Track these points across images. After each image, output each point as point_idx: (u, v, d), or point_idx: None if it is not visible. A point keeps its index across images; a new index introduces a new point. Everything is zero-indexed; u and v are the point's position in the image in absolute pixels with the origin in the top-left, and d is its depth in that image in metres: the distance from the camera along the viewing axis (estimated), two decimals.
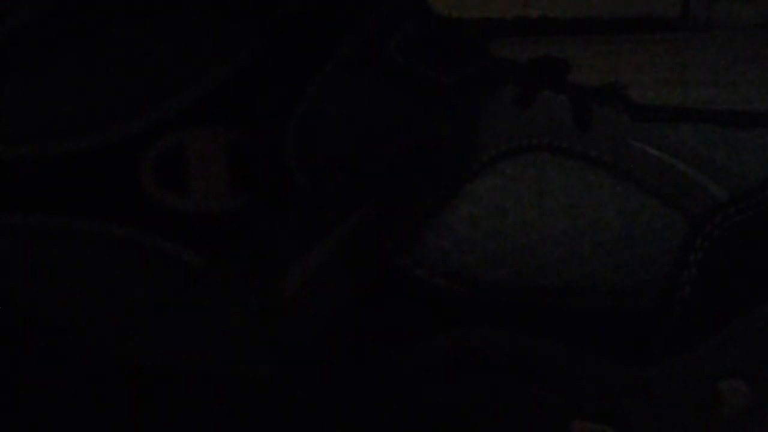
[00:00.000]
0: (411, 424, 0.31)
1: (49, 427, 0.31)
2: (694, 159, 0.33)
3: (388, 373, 0.31)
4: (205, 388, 0.31)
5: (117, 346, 0.30)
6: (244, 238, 0.30)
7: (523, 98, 0.33)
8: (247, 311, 0.30)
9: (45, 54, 0.29)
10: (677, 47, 0.69)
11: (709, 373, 0.31)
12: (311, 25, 0.30)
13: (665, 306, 0.31)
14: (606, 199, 0.32)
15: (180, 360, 0.31)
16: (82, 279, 0.30)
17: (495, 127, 0.32)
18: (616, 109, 0.34)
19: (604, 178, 0.32)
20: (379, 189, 0.31)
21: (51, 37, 0.29)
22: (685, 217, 0.32)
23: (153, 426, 0.31)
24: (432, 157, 0.31)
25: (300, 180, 0.30)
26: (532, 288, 0.31)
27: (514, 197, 0.31)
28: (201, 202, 0.30)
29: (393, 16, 0.32)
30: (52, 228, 0.30)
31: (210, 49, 0.30)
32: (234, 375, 0.31)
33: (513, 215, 0.31)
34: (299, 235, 0.30)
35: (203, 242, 0.30)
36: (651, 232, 0.31)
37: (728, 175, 0.33)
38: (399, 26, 0.32)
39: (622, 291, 0.31)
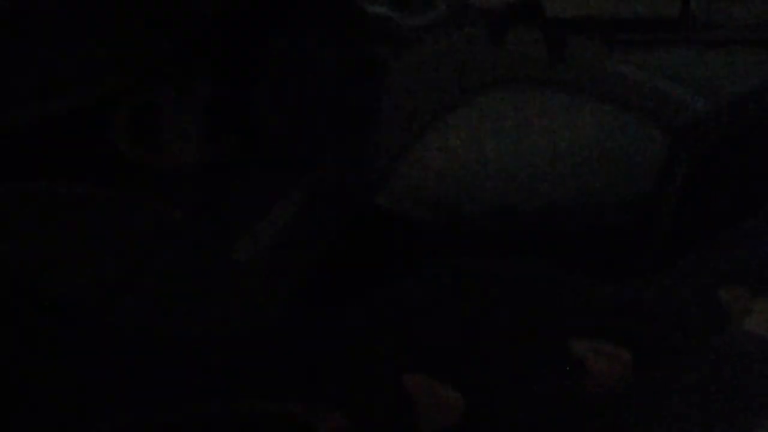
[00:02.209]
0: (408, 358, 0.31)
1: (35, 396, 0.31)
2: (674, 77, 0.32)
3: (377, 310, 0.31)
4: (189, 348, 0.31)
5: (100, 309, 0.30)
6: (220, 191, 0.30)
7: (495, 36, 0.33)
8: (224, 264, 0.30)
9: (8, 21, 0.30)
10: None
11: (707, 281, 0.31)
12: None
13: (652, 219, 0.31)
14: (586, 121, 0.31)
15: (166, 322, 0.31)
16: (64, 242, 0.30)
17: (468, 63, 0.32)
18: (591, 37, 0.34)
19: (582, 101, 0.32)
20: (351, 129, 0.31)
21: (16, 5, 0.30)
22: (668, 132, 0.31)
23: (144, 390, 0.31)
24: (404, 96, 0.31)
25: (272, 130, 0.30)
26: (516, 212, 0.30)
27: (491, 127, 0.31)
28: (175, 157, 0.30)
29: None
30: (31, 193, 0.30)
31: (174, 8, 0.30)
32: (223, 331, 0.31)
33: (491, 144, 0.31)
34: (273, 183, 0.30)
35: (180, 197, 0.30)
36: (633, 148, 0.31)
37: (708, 90, 0.32)
38: None
39: (608, 208, 0.31)
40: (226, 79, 0.30)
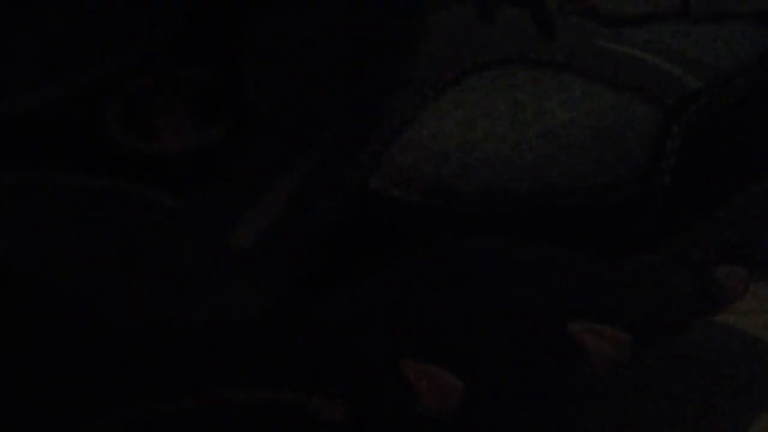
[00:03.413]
0: (405, 343, 0.31)
1: (30, 384, 0.31)
2: (665, 52, 0.32)
3: (374, 296, 0.30)
4: (185, 337, 0.31)
5: (94, 298, 0.30)
6: (212, 176, 0.30)
7: (485, 14, 0.33)
8: (220, 250, 0.30)
9: None
10: None
11: (702, 259, 0.31)
12: None
13: (646, 197, 0.30)
14: (577, 100, 0.31)
15: (162, 309, 0.30)
16: (55, 232, 0.30)
17: (458, 44, 0.32)
18: (581, 15, 0.33)
19: (573, 81, 0.32)
20: (342, 113, 0.30)
21: None
22: (660, 108, 0.31)
23: (132, 380, 0.31)
24: (394, 78, 0.31)
25: (263, 111, 0.30)
26: (510, 193, 0.30)
27: (483, 109, 0.31)
28: (168, 143, 0.30)
29: None
30: (24, 184, 0.30)
31: None
32: (220, 320, 0.31)
33: (483, 126, 0.31)
34: (267, 166, 0.30)
35: (175, 183, 0.30)
36: (626, 125, 0.31)
37: (701, 65, 0.32)
38: None
39: (602, 186, 0.30)
40: (217, 61, 0.30)
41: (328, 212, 0.30)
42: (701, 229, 0.31)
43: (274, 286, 0.30)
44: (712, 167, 0.31)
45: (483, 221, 0.30)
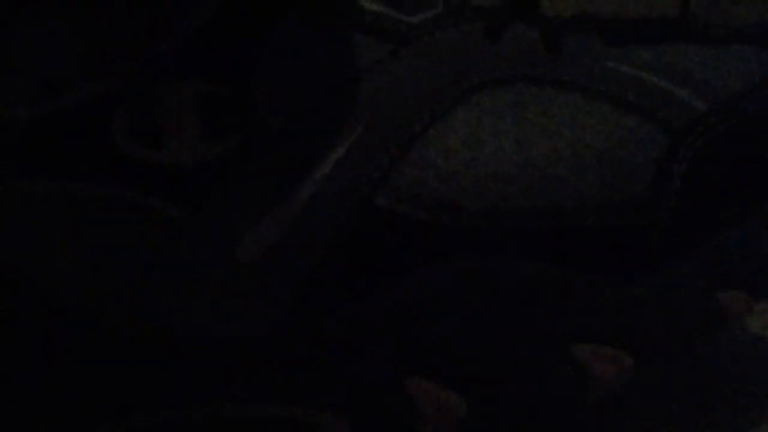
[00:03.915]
0: (409, 361, 0.31)
1: (36, 393, 0.31)
2: (672, 74, 0.32)
3: (379, 313, 0.30)
4: (192, 349, 0.31)
5: (100, 308, 0.30)
6: (220, 188, 0.30)
7: (492, 32, 0.33)
8: (225, 264, 0.30)
9: (6, 19, 0.29)
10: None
11: (706, 284, 0.31)
12: None
13: (652, 220, 0.31)
14: (584, 120, 0.31)
15: (166, 320, 0.30)
16: (63, 241, 0.30)
17: (466, 62, 0.32)
18: (588, 34, 0.33)
19: (580, 100, 0.32)
20: (351, 129, 0.30)
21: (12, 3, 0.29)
22: (666, 131, 0.31)
23: (139, 391, 0.31)
24: (402, 95, 0.31)
25: (272, 126, 0.30)
26: (515, 212, 0.30)
27: (490, 127, 0.31)
28: (176, 154, 0.30)
29: None
30: (30, 191, 0.30)
31: (173, 4, 0.30)
32: (222, 334, 0.31)
33: (490, 144, 0.31)
34: (275, 181, 0.30)
35: (181, 194, 0.30)
36: (632, 147, 0.31)
37: (707, 87, 0.32)
38: None
39: (608, 208, 0.31)
40: (226, 74, 0.30)
41: (335, 227, 0.30)
42: (705, 252, 0.31)
43: (280, 301, 0.30)
44: (717, 191, 0.31)
45: (488, 240, 0.30)
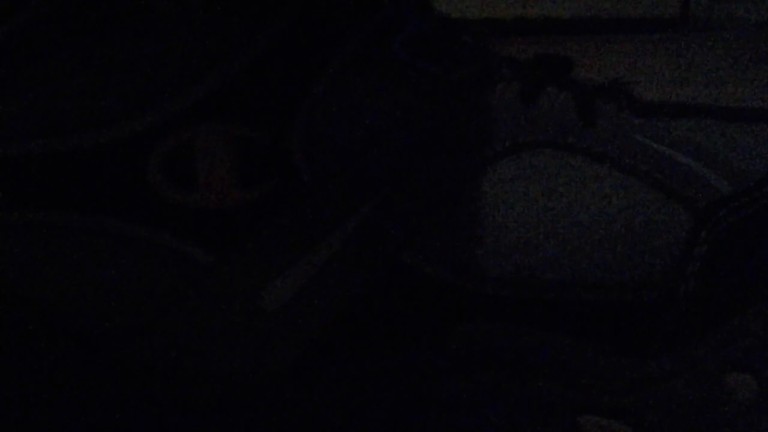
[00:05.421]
0: (416, 421, 0.31)
1: (52, 425, 0.31)
2: (698, 153, 0.33)
3: (394, 370, 0.31)
4: (208, 387, 0.31)
5: (122, 344, 0.30)
6: (250, 235, 0.30)
7: (527, 95, 0.33)
8: (248, 310, 0.30)
9: (50, 52, 0.29)
10: (677, 47, 0.69)
11: (716, 366, 0.31)
12: (316, 23, 0.31)
13: (670, 300, 0.31)
14: (610, 193, 0.32)
15: (184, 358, 0.31)
16: (90, 276, 0.30)
17: (499, 123, 0.32)
18: (619, 105, 0.34)
19: (608, 173, 0.32)
20: (384, 186, 0.31)
21: (56, 35, 0.29)
22: (690, 211, 0.32)
23: (154, 424, 0.31)
24: (437, 154, 0.31)
25: (306, 177, 0.30)
26: (538, 282, 0.31)
27: (518, 193, 0.31)
28: (209, 198, 0.30)
29: (396, 14, 0.32)
30: (61, 225, 0.30)
31: (216, 47, 0.30)
32: (238, 374, 0.31)
33: (518, 210, 0.31)
34: (304, 231, 0.30)
35: (211, 239, 0.30)
36: (656, 225, 0.32)
37: (731, 169, 0.33)
38: (402, 24, 0.32)
39: (627, 285, 0.31)
40: (264, 120, 0.30)
41: (360, 282, 0.31)
42: (718, 335, 0.31)
43: (296, 348, 0.31)
44: (736, 275, 0.32)
45: (509, 307, 0.31)
